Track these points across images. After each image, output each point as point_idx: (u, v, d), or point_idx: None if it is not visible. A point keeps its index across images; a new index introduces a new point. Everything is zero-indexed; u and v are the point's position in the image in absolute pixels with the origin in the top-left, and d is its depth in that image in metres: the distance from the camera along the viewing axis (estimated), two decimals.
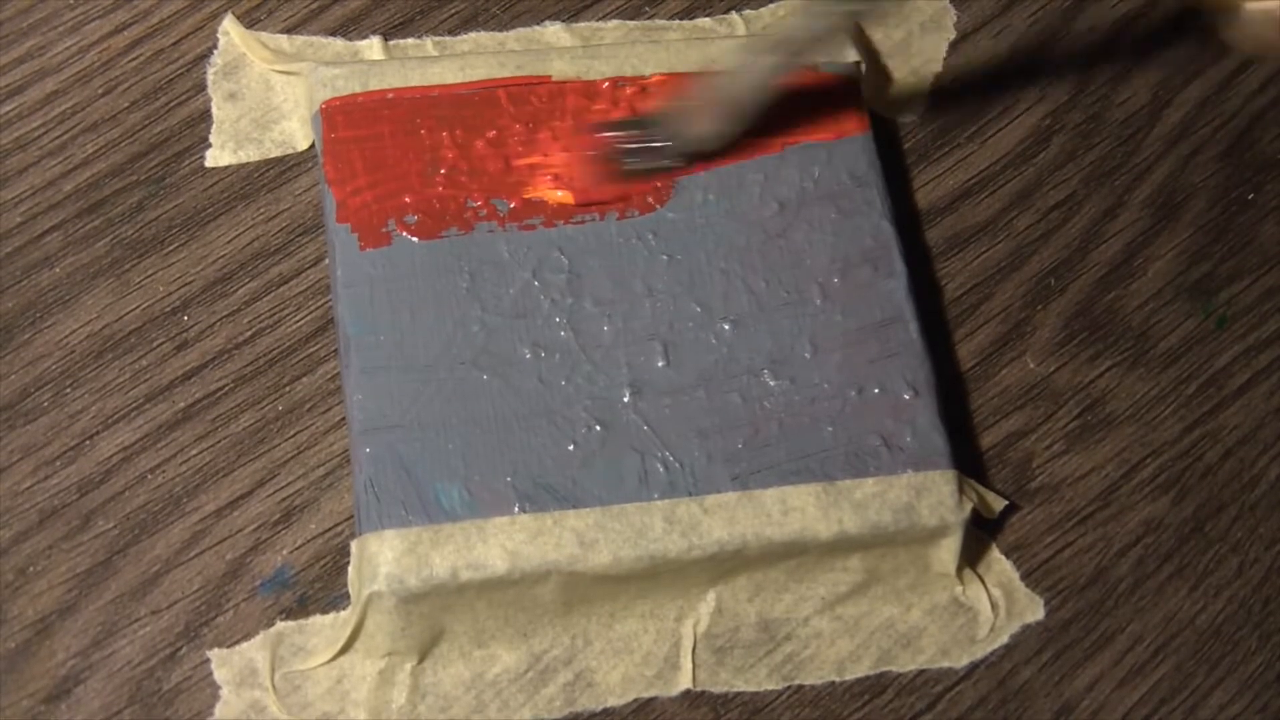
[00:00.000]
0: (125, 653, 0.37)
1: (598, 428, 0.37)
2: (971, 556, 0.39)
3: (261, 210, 0.42)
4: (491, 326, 0.38)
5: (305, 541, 0.38)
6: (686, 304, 0.39)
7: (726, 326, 0.39)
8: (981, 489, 0.39)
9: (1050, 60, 0.46)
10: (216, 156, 0.42)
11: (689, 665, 0.38)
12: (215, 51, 0.43)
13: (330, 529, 0.38)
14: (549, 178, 0.40)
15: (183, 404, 0.39)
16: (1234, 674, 0.39)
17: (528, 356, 0.38)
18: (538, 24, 0.44)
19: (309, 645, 0.37)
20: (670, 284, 0.39)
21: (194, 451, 0.39)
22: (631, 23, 0.45)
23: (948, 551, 0.38)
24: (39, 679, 0.36)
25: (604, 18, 0.45)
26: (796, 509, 0.37)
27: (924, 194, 0.44)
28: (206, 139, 0.42)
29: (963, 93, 0.46)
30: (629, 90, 0.41)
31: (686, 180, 0.40)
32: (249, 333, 0.40)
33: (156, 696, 0.36)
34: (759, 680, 0.38)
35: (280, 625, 0.37)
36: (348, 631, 0.36)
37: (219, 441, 0.39)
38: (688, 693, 0.38)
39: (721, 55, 0.42)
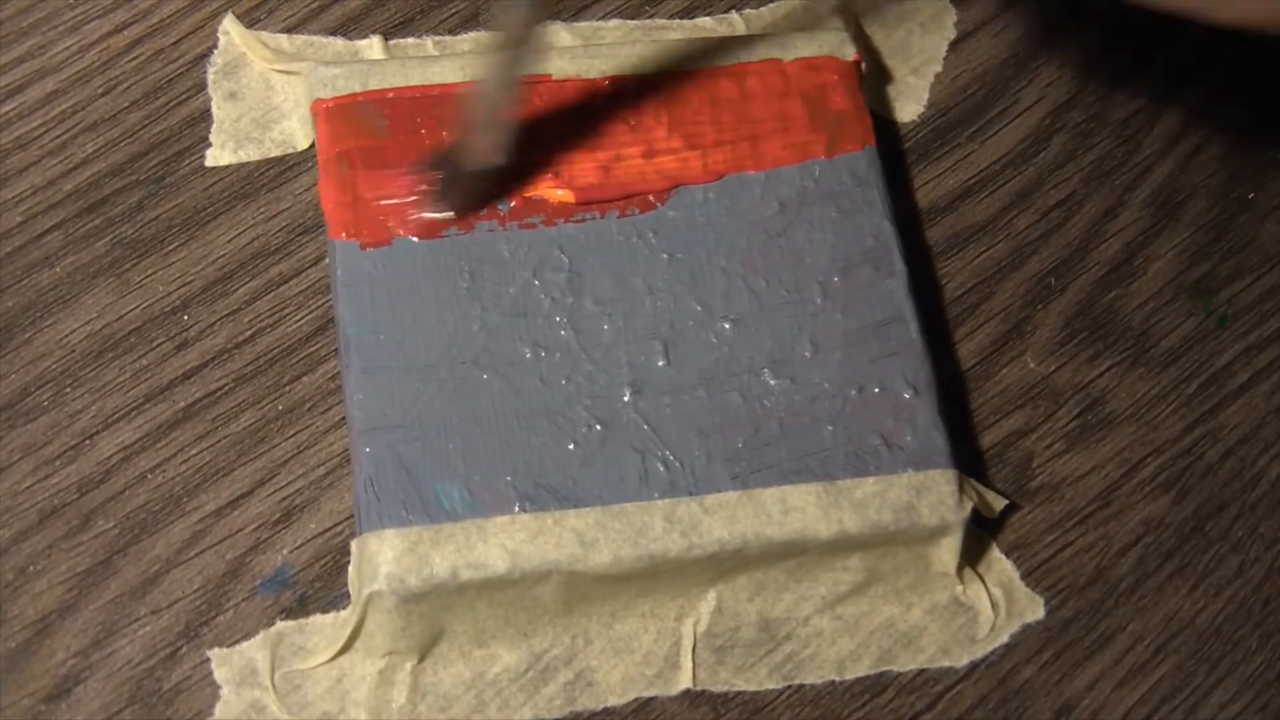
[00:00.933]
0: (125, 652, 0.37)
1: (598, 427, 0.37)
2: (972, 556, 0.39)
3: (262, 210, 0.42)
4: (492, 326, 0.38)
5: (305, 541, 0.38)
6: (687, 303, 0.39)
7: (727, 325, 0.39)
8: (982, 488, 0.39)
9: (1050, 60, 0.46)
10: (216, 156, 0.42)
11: (689, 664, 0.38)
12: (215, 51, 0.43)
13: (330, 528, 0.38)
14: (549, 176, 0.40)
15: (183, 403, 0.39)
16: (1234, 673, 0.39)
17: (528, 356, 0.38)
18: None
19: (309, 645, 0.37)
20: (671, 283, 0.39)
21: (194, 451, 0.39)
22: (632, 22, 0.45)
23: (948, 551, 0.38)
24: (39, 678, 0.36)
25: (604, 17, 0.45)
26: (797, 508, 0.37)
27: (924, 193, 0.44)
28: (206, 138, 0.42)
29: (963, 92, 0.46)
30: (630, 89, 0.41)
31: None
32: (249, 332, 0.40)
33: (157, 696, 0.36)
34: (759, 679, 0.38)
35: (280, 625, 0.37)
36: (348, 631, 0.36)
37: (219, 441, 0.39)
38: (688, 692, 0.38)
39: (722, 54, 0.42)
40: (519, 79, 0.37)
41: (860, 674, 0.38)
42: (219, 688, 0.36)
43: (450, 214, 0.39)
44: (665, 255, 0.39)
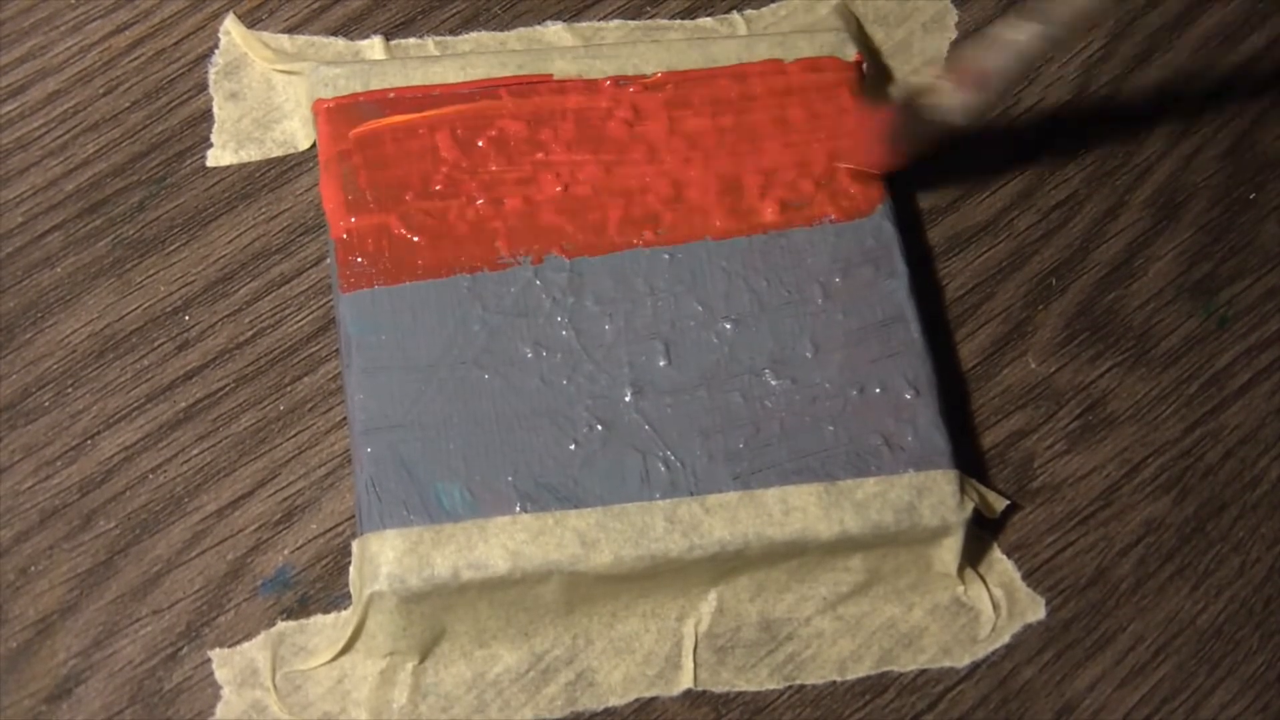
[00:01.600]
0: (126, 652, 0.37)
1: (599, 427, 0.37)
2: (973, 556, 0.39)
3: (263, 210, 0.42)
4: (493, 326, 0.38)
5: (306, 541, 0.38)
6: (688, 303, 0.39)
7: (728, 326, 0.39)
8: (983, 489, 0.39)
9: (1051, 60, 0.46)
10: (218, 156, 0.42)
11: (690, 665, 0.38)
12: (216, 51, 0.43)
13: (331, 529, 0.38)
14: (551, 176, 0.40)
15: (184, 404, 0.39)
16: (1235, 674, 0.39)
17: (529, 356, 0.38)
18: (539, 24, 0.44)
19: (310, 645, 0.37)
20: (672, 283, 0.39)
21: (195, 451, 0.39)
22: (633, 22, 0.45)
23: (949, 551, 0.38)
24: (40, 679, 0.36)
25: (605, 17, 0.45)
26: (798, 509, 0.37)
27: (925, 194, 0.44)
28: (208, 139, 0.42)
29: None
30: (630, 89, 0.41)
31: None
32: (250, 332, 0.40)
33: (158, 696, 0.36)
34: (760, 680, 0.38)
35: (281, 625, 0.37)
36: (349, 631, 0.36)
37: (220, 441, 0.39)
38: (689, 692, 0.38)
39: (723, 54, 0.42)
40: (1051, 46, 0.36)
41: (861, 674, 0.38)
42: (220, 688, 0.36)
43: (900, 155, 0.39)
44: (666, 255, 0.39)
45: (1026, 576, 0.40)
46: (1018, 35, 0.35)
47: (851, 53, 0.42)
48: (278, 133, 0.42)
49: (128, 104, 0.42)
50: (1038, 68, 0.38)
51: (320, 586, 0.38)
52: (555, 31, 0.44)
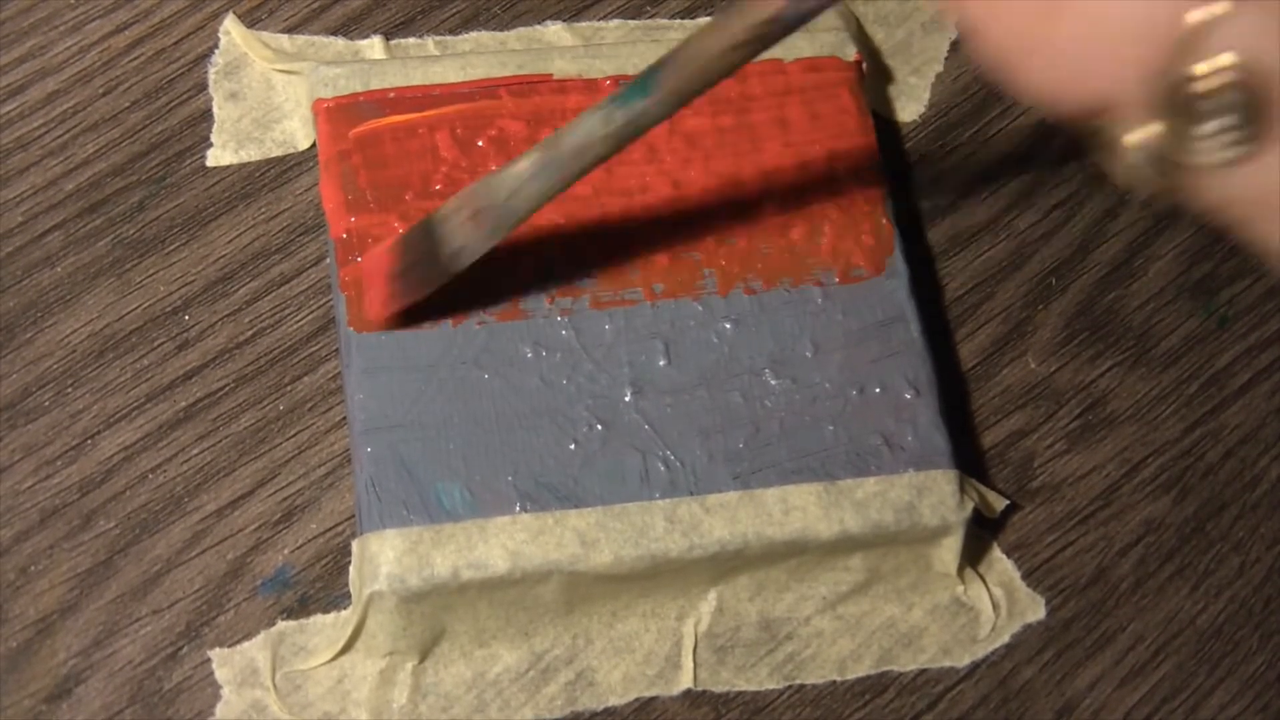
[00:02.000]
0: (126, 652, 0.37)
1: (599, 427, 0.37)
2: (973, 556, 0.39)
3: (262, 210, 0.42)
4: (492, 326, 0.38)
5: (306, 541, 0.38)
6: (687, 302, 0.39)
7: (728, 325, 0.39)
8: (983, 488, 0.39)
9: None
10: (218, 156, 0.42)
11: (690, 664, 0.38)
12: (216, 51, 0.43)
13: (331, 528, 0.38)
14: None
15: (184, 403, 0.39)
16: (1235, 674, 0.40)
17: (529, 355, 0.38)
18: (539, 23, 0.44)
19: (310, 645, 0.37)
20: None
21: (195, 451, 0.39)
22: (633, 22, 0.45)
23: (949, 551, 0.38)
24: (40, 678, 0.36)
25: (605, 17, 0.45)
26: (798, 508, 0.37)
27: (925, 193, 0.44)
28: (208, 138, 0.42)
29: (964, 92, 0.46)
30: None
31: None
32: (250, 332, 0.40)
33: (158, 696, 0.36)
34: (760, 679, 0.38)
35: (281, 625, 0.37)
36: (349, 631, 0.36)
37: (220, 441, 0.39)
38: (689, 692, 0.38)
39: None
40: (568, 184, 0.33)
41: (861, 674, 0.38)
42: (220, 688, 0.36)
43: (409, 301, 0.36)
44: (666, 256, 0.39)
45: (1026, 576, 0.40)
46: (525, 169, 0.32)
47: (851, 53, 0.42)
48: (278, 133, 0.42)
49: (128, 104, 0.42)
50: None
51: (320, 586, 0.38)
52: (555, 31, 0.44)
